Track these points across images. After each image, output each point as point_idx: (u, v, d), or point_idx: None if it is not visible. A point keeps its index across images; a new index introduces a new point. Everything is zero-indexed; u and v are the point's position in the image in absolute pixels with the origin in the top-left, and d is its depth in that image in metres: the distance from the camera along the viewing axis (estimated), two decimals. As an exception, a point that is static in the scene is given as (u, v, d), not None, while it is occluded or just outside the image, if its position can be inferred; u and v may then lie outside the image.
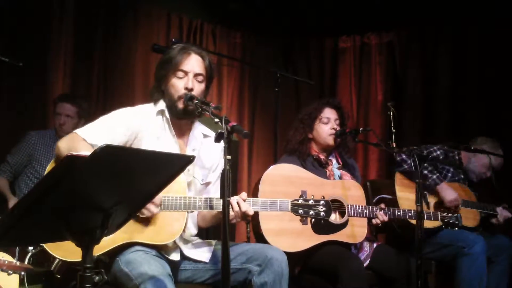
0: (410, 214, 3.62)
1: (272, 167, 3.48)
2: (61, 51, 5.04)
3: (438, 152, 4.31)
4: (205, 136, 2.95)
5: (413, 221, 3.72)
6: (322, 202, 2.84)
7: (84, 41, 5.16)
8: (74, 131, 2.70)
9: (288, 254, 3.21)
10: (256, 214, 3.25)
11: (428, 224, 3.76)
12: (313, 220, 3.38)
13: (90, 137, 2.64)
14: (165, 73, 2.79)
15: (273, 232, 3.28)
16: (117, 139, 2.68)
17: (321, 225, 3.40)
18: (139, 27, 5.55)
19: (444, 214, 3.64)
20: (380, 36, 6.40)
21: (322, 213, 2.83)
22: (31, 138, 4.48)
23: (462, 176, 4.47)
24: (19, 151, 4.45)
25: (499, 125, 5.51)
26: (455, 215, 3.64)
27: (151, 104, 2.87)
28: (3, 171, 4.44)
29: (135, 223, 2.59)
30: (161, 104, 2.84)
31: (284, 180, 3.43)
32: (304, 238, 3.37)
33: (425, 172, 4.06)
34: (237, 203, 2.65)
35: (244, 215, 2.67)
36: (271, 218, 3.26)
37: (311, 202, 2.84)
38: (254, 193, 3.40)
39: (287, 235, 3.32)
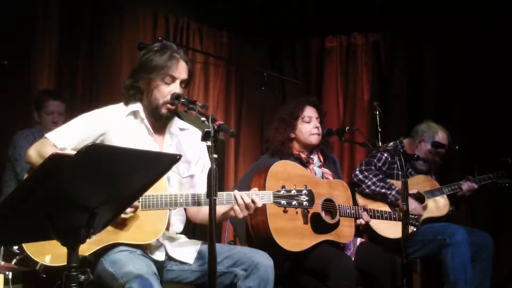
0: (386, 215, 3.77)
1: (275, 164, 3.46)
2: (45, 50, 5.00)
3: (386, 155, 4.32)
4: (181, 129, 2.94)
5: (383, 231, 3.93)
6: (304, 191, 2.82)
7: (69, 40, 5.13)
8: (45, 135, 2.71)
9: (281, 252, 3.21)
10: (264, 213, 3.25)
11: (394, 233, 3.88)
12: (312, 219, 3.40)
13: (60, 141, 2.65)
14: (152, 78, 2.77)
15: (280, 232, 3.29)
16: (86, 141, 2.67)
17: (319, 225, 3.43)
18: (125, 26, 5.52)
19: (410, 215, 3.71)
20: (366, 36, 6.43)
21: (305, 203, 2.81)
22: (16, 138, 4.42)
23: (410, 170, 4.46)
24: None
25: (486, 123, 5.57)
26: (415, 217, 3.73)
27: (121, 105, 2.85)
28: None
29: (117, 223, 2.58)
30: (136, 105, 2.82)
31: (286, 177, 3.42)
32: (306, 238, 3.40)
33: (383, 190, 4.09)
34: (252, 199, 2.69)
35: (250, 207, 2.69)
36: (278, 217, 3.25)
37: (293, 192, 2.82)
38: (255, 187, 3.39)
39: (292, 235, 3.34)
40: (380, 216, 3.74)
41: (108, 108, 2.84)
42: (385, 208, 4.05)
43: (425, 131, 4.50)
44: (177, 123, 2.94)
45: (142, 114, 2.81)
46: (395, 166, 4.33)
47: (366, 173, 4.13)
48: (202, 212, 2.91)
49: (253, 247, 3.39)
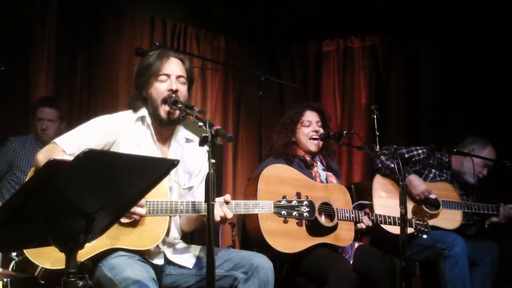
0: (389, 220, 3.69)
1: (268, 167, 3.48)
2: (43, 54, 5.00)
3: (420, 151, 4.31)
4: (187, 140, 2.95)
5: (388, 228, 3.83)
6: (305, 202, 2.84)
7: (67, 44, 5.13)
8: (54, 140, 2.70)
9: (278, 255, 3.20)
10: (256, 215, 3.24)
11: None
12: (307, 222, 3.39)
13: (69, 147, 2.64)
14: (146, 79, 2.81)
15: (272, 233, 3.28)
16: (95, 147, 2.66)
17: (314, 228, 3.42)
18: (123, 31, 5.53)
19: (417, 222, 3.67)
20: (363, 39, 6.44)
21: (305, 214, 2.83)
22: (11, 145, 4.42)
23: (448, 178, 4.42)
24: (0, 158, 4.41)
25: (483, 126, 5.56)
26: (425, 223, 3.68)
27: (131, 111, 2.87)
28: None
29: (117, 228, 2.58)
30: (142, 111, 2.84)
31: (279, 180, 3.44)
32: (300, 240, 3.39)
33: (392, 165, 4.00)
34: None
35: (223, 219, 2.66)
36: (269, 219, 3.25)
37: (294, 203, 2.83)
38: (250, 191, 3.40)
39: (285, 236, 3.33)
40: (383, 221, 3.69)
41: (118, 115, 2.85)
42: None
43: (474, 143, 4.45)
44: (184, 133, 2.95)
45: (148, 119, 2.82)
46: (429, 168, 4.31)
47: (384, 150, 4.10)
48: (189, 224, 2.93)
49: (247, 249, 3.42)
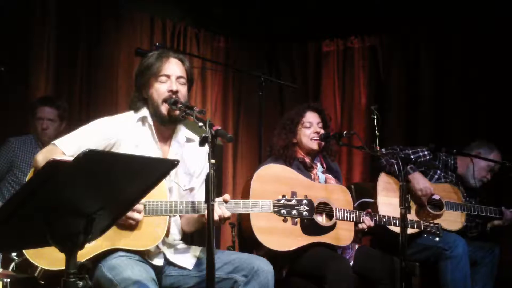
0: (395, 221, 3.65)
1: (264, 167, 3.48)
2: (43, 54, 4.99)
3: (426, 152, 4.30)
4: (188, 140, 2.95)
5: (393, 228, 3.76)
6: (304, 201, 2.83)
7: (67, 44, 5.12)
8: (53, 142, 2.70)
9: (275, 255, 3.19)
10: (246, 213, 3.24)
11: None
12: (305, 220, 3.37)
13: (69, 149, 2.64)
14: (147, 80, 2.82)
15: (264, 231, 3.28)
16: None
17: (310, 226, 3.41)
18: (123, 31, 5.52)
19: (427, 223, 3.65)
20: (363, 40, 6.44)
21: (305, 213, 2.83)
22: (11, 145, 4.41)
23: (453, 180, 4.42)
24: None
25: (483, 126, 5.57)
26: (436, 225, 3.64)
27: (131, 112, 2.87)
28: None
29: (117, 229, 2.58)
30: (144, 111, 2.84)
31: (275, 179, 3.44)
32: (294, 238, 3.38)
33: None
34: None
35: (221, 218, 2.66)
36: (261, 216, 3.24)
37: (293, 202, 2.83)
38: (245, 190, 3.40)
39: (278, 234, 3.32)
40: (388, 222, 3.65)
41: (118, 117, 2.86)
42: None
43: (481, 147, 4.46)
44: (184, 132, 2.95)
45: (150, 119, 2.83)
46: (433, 169, 4.29)
47: (389, 150, 4.08)
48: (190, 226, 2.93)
49: (246, 249, 3.41)
